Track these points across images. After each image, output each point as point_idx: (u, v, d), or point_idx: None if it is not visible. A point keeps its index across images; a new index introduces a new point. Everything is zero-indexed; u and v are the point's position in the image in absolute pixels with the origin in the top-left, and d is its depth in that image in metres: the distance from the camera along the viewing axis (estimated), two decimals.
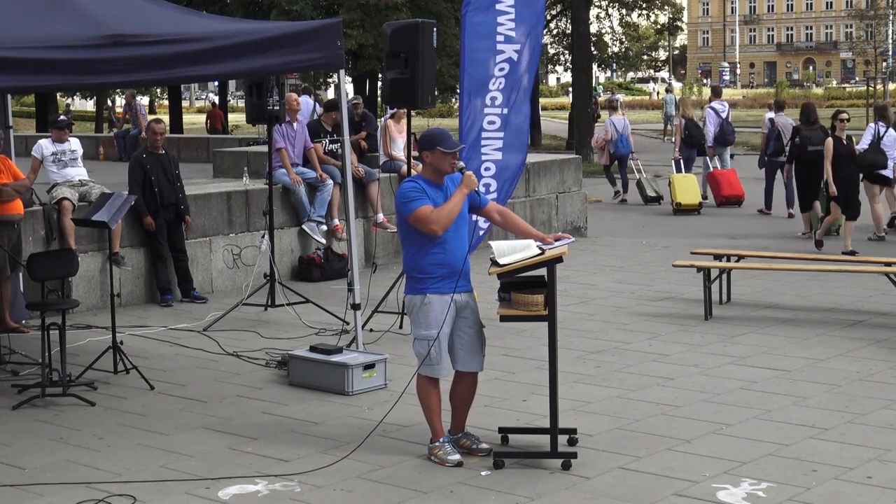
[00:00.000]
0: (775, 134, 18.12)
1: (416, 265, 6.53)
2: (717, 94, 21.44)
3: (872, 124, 15.76)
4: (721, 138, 20.15)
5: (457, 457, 6.51)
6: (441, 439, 6.59)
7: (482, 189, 10.00)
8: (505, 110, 10.28)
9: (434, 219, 6.40)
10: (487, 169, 10.28)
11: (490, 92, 10.20)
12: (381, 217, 13.73)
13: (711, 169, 20.41)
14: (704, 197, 19.82)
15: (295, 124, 13.25)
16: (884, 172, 15.40)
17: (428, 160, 6.55)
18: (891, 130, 15.57)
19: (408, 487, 6.20)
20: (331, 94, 49.12)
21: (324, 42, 8.47)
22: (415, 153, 13.30)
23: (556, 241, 6.58)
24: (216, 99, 51.88)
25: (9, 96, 10.83)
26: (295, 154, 13.21)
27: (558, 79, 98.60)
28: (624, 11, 52.48)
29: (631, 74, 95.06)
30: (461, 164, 6.64)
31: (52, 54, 7.10)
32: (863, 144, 15.44)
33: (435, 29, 10.07)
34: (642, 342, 9.73)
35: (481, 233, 10.07)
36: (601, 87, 60.04)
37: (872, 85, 43.27)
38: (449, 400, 6.76)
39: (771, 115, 18.86)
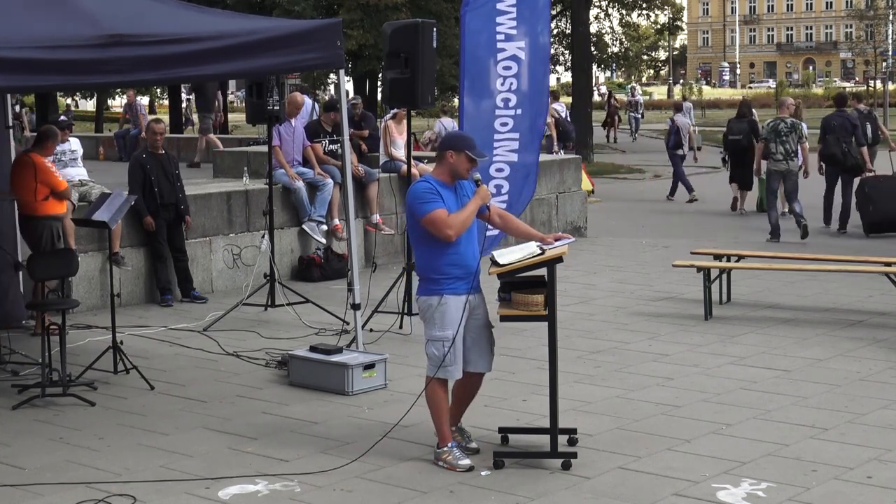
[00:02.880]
0: (675, 130, 21.40)
1: (432, 266, 6.48)
2: (555, 97, 24.64)
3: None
4: (561, 135, 22.99)
5: (467, 461, 6.47)
6: (449, 444, 6.55)
7: (493, 190, 10.01)
8: (519, 111, 10.24)
9: (451, 223, 6.35)
10: (500, 170, 10.23)
11: (501, 93, 10.16)
12: (376, 218, 13.73)
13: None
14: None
15: (293, 121, 13.26)
16: None
17: (450, 160, 6.48)
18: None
19: (408, 487, 6.20)
20: (331, 93, 49.07)
21: (324, 42, 8.46)
22: (416, 152, 13.39)
23: (555, 240, 6.58)
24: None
25: (8, 96, 10.82)
26: (294, 151, 13.23)
27: (558, 79, 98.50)
28: (624, 11, 52.52)
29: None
30: (477, 175, 6.62)
31: (52, 54, 7.10)
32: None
33: (435, 29, 10.06)
34: (642, 342, 9.73)
35: (488, 234, 9.93)
36: (629, 87, 59.64)
37: (872, 84, 43.25)
38: (452, 393, 6.75)
39: (673, 114, 22.32)
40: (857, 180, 16.57)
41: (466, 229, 6.44)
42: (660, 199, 21.65)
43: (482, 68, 10.23)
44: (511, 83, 10.15)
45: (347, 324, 9.57)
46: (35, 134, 10.02)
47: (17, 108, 23.68)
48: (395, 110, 13.69)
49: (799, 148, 15.70)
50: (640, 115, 44.96)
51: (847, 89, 43.20)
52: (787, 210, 17.29)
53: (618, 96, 49.60)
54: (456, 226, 6.38)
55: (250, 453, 6.85)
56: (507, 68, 10.14)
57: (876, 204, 15.98)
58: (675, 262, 11.59)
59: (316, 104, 19.46)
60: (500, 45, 10.15)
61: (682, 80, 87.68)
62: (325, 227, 13.20)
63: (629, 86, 66.12)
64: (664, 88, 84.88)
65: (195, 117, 24.19)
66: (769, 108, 52.63)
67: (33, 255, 9.21)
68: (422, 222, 6.42)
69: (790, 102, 16.57)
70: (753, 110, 20.71)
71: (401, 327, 10.14)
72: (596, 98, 51.52)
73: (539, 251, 6.45)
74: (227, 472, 6.48)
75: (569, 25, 43.86)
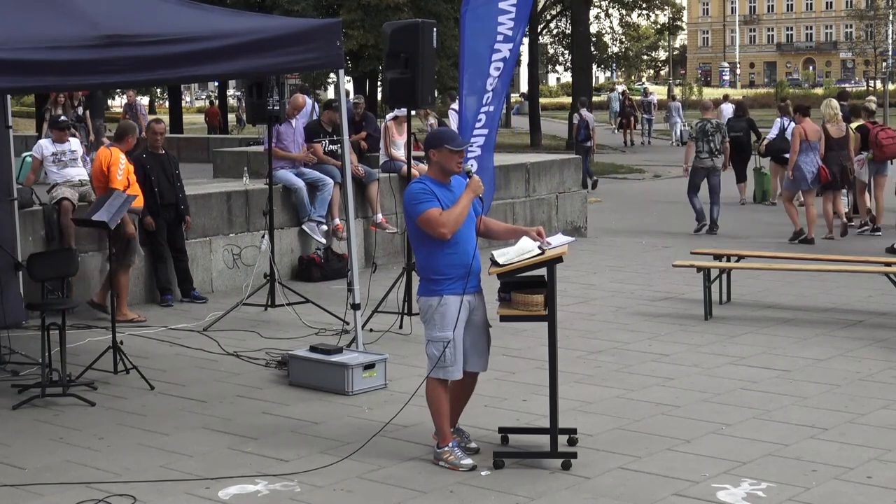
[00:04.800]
0: (584, 124, 23.92)
1: (432, 266, 6.47)
2: (452, 98, 25.95)
3: (779, 119, 19.73)
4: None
5: (469, 461, 6.47)
6: (450, 444, 6.56)
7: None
8: (491, 108, 10.31)
9: (443, 222, 6.36)
10: (472, 166, 10.29)
11: (486, 92, 10.23)
12: (379, 217, 13.73)
13: None
14: None
15: (293, 122, 13.27)
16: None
17: (435, 158, 6.52)
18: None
19: (408, 487, 6.20)
20: (331, 93, 49.09)
21: (323, 42, 8.47)
22: (416, 153, 13.39)
23: (538, 234, 6.56)
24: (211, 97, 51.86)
25: (8, 96, 10.83)
26: (295, 151, 13.24)
27: (558, 79, 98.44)
28: (624, 11, 52.47)
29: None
30: (468, 166, 6.66)
31: (51, 55, 7.09)
32: (771, 134, 19.58)
33: (435, 29, 10.07)
34: (642, 342, 9.73)
35: None
36: (644, 87, 59.23)
37: (872, 85, 43.34)
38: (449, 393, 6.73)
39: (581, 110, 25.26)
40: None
41: (461, 225, 6.43)
42: (660, 199, 21.64)
43: (481, 68, 10.26)
44: (495, 82, 10.23)
45: (347, 324, 9.57)
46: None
47: (81, 109, 22.89)
48: (397, 112, 13.69)
49: (721, 146, 16.70)
50: (652, 117, 43.63)
51: (847, 88, 43.51)
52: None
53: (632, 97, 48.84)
54: (449, 223, 6.38)
55: (250, 453, 6.85)
56: (497, 69, 10.22)
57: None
58: (675, 262, 11.59)
59: (316, 104, 19.49)
60: (497, 45, 10.20)
61: (680, 81, 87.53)
62: (325, 227, 13.20)
63: (641, 85, 65.78)
64: (663, 88, 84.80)
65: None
66: (769, 108, 52.68)
67: (33, 255, 9.21)
68: (417, 223, 6.43)
69: (711, 105, 18.64)
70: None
71: (401, 327, 10.14)
72: (608, 97, 51.44)
73: (539, 251, 6.45)
74: (227, 472, 6.48)
75: (569, 25, 43.82)
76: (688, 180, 16.99)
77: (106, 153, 10.77)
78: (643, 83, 69.76)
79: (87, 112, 23.25)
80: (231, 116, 49.83)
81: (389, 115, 14.30)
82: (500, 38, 10.18)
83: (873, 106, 17.24)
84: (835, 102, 16.62)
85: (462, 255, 6.47)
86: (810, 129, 15.53)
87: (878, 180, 16.46)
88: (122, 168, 10.62)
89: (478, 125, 10.29)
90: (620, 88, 51.70)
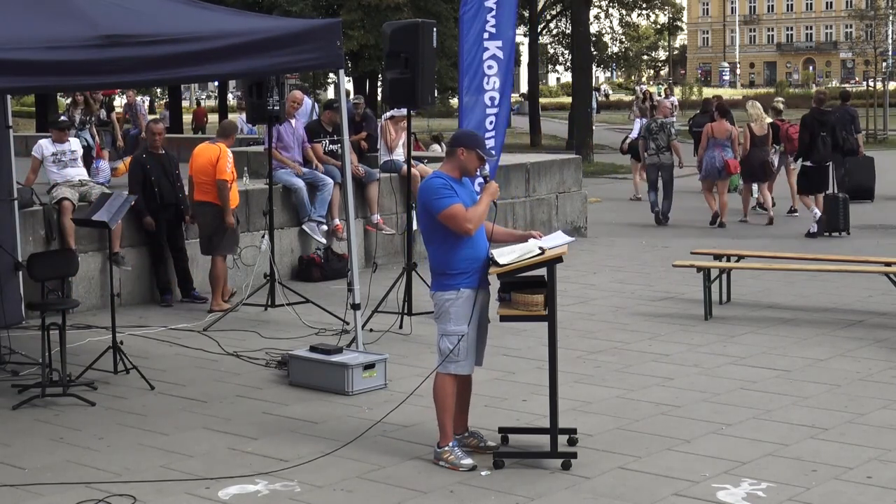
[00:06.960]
0: None
1: (449, 262, 6.46)
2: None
3: (638, 119, 22.06)
4: None
5: (469, 461, 6.47)
6: (450, 444, 6.56)
7: (476, 188, 10.08)
8: (497, 110, 10.37)
9: (470, 218, 6.37)
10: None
11: (488, 92, 10.27)
12: (377, 218, 13.72)
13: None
14: None
15: (293, 121, 13.26)
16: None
17: (462, 157, 6.51)
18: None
19: (408, 487, 6.20)
20: (331, 93, 49.09)
21: (323, 42, 8.47)
22: (416, 152, 13.40)
23: (539, 237, 6.59)
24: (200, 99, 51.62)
25: (8, 96, 10.83)
26: (295, 152, 13.23)
27: (558, 79, 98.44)
28: (624, 11, 52.50)
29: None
30: (486, 171, 6.69)
31: (51, 55, 7.10)
32: (633, 135, 21.29)
33: (435, 29, 10.08)
34: (642, 342, 9.73)
35: None
36: (662, 87, 58.80)
37: (872, 84, 43.34)
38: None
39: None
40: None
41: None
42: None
43: (478, 67, 10.32)
44: (494, 82, 10.27)
45: (347, 324, 9.57)
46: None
47: (103, 112, 22.27)
48: (393, 112, 13.69)
49: (670, 144, 17.92)
50: (673, 120, 43.14)
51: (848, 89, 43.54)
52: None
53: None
54: (475, 220, 6.40)
55: (250, 453, 6.85)
56: (490, 67, 10.27)
57: (852, 176, 18.25)
58: (675, 262, 11.59)
59: (316, 104, 19.49)
60: (485, 43, 10.27)
61: (680, 81, 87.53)
62: (325, 227, 13.19)
63: (662, 86, 65.36)
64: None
65: None
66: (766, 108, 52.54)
67: (33, 255, 9.21)
68: (439, 218, 6.40)
69: (665, 105, 20.49)
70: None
71: (401, 327, 10.14)
72: (630, 97, 51.21)
73: (539, 251, 6.45)
74: (227, 472, 6.48)
75: (569, 25, 43.81)
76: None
77: (214, 148, 11.14)
78: (642, 83, 69.39)
79: (113, 114, 22.83)
80: (231, 116, 49.77)
81: (386, 115, 14.30)
82: (486, 35, 10.29)
83: (781, 106, 19.20)
84: (759, 104, 18.33)
85: (476, 249, 6.48)
86: (717, 129, 17.41)
87: (790, 169, 18.52)
88: (230, 161, 11.04)
89: (490, 127, 10.33)
90: (604, 88, 51.68)
